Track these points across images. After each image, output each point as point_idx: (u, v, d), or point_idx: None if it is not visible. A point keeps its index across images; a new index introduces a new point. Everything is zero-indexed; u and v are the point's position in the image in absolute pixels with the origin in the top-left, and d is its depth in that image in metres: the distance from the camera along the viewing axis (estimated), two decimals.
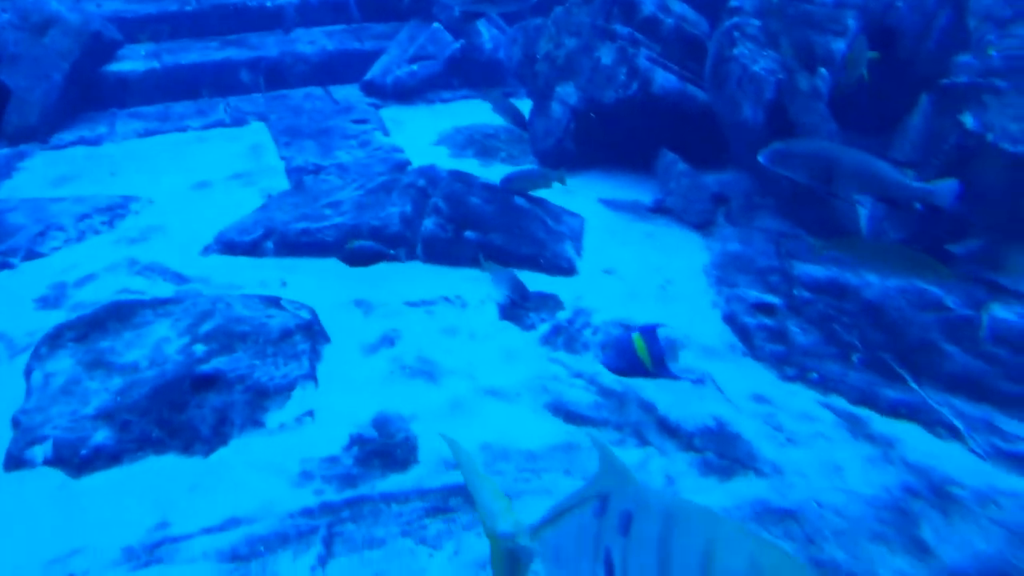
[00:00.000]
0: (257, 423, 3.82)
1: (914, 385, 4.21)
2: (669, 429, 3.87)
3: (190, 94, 8.56)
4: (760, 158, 3.89)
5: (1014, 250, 4.69)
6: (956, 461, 3.74)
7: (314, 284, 5.00)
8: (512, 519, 2.16)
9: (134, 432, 3.68)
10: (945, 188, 3.76)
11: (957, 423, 3.96)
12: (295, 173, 6.81)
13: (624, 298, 5.05)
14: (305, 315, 4.56)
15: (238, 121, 8.10)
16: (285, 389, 4.02)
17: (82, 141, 7.59)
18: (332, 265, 5.27)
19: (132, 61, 8.72)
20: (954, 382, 4.19)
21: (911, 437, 3.90)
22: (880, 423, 4.00)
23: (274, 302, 4.68)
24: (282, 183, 6.66)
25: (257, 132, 7.85)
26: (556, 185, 5.97)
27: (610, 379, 4.20)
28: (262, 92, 8.77)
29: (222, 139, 7.71)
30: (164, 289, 5.01)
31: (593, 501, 1.68)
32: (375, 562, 3.07)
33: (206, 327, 4.34)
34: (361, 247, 4.78)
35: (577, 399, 4.06)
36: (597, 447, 1.76)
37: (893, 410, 4.07)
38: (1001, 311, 4.32)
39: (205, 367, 4.05)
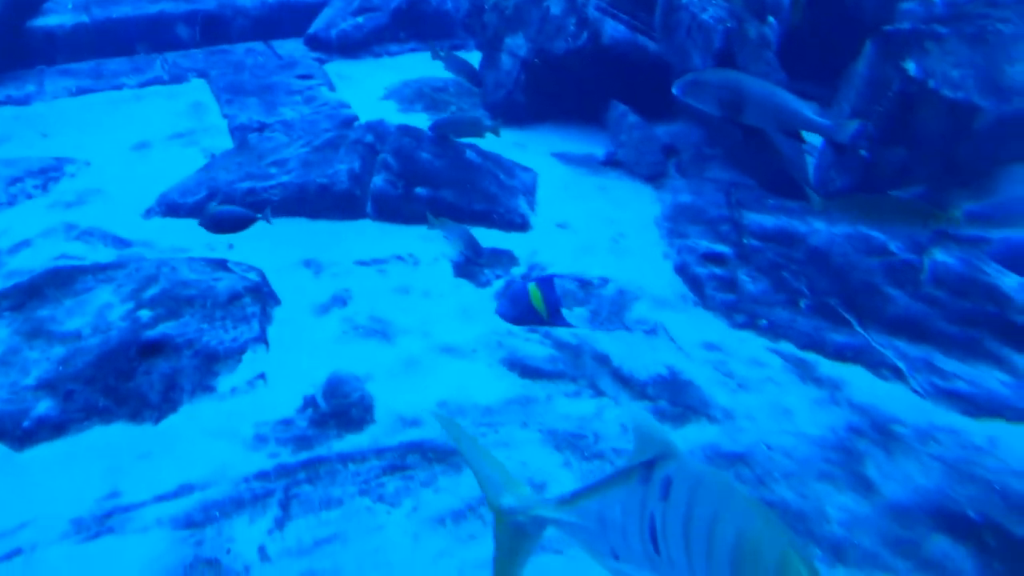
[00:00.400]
0: (208, 388, 3.75)
1: (859, 329, 4.33)
2: (623, 379, 3.92)
3: (124, 50, 8.18)
4: (674, 90, 3.89)
5: (955, 195, 4.81)
6: (898, 400, 3.87)
7: (262, 245, 4.88)
8: (516, 493, 2.16)
9: (79, 401, 3.58)
10: (845, 125, 3.85)
11: (900, 364, 4.09)
12: (239, 131, 6.59)
13: (577, 252, 5.05)
14: (253, 277, 4.46)
15: (177, 78, 7.79)
16: (235, 353, 3.94)
17: (9, 100, 7.22)
18: (280, 225, 5.14)
19: (59, 15, 8.28)
20: (897, 324, 4.32)
21: (856, 379, 4.02)
22: (827, 366, 4.11)
23: (221, 264, 4.56)
24: (225, 142, 6.45)
25: (197, 89, 7.56)
26: (508, 139, 5.89)
27: (565, 333, 4.22)
28: (199, 46, 8.42)
29: (160, 97, 7.41)
30: (105, 254, 4.84)
31: (639, 469, 1.74)
32: (333, 522, 3.06)
33: (151, 292, 4.22)
34: (222, 212, 4.50)
35: (532, 353, 4.07)
36: (636, 420, 1.81)
37: (839, 353, 4.19)
38: (942, 255, 4.45)
39: (151, 333, 3.95)
